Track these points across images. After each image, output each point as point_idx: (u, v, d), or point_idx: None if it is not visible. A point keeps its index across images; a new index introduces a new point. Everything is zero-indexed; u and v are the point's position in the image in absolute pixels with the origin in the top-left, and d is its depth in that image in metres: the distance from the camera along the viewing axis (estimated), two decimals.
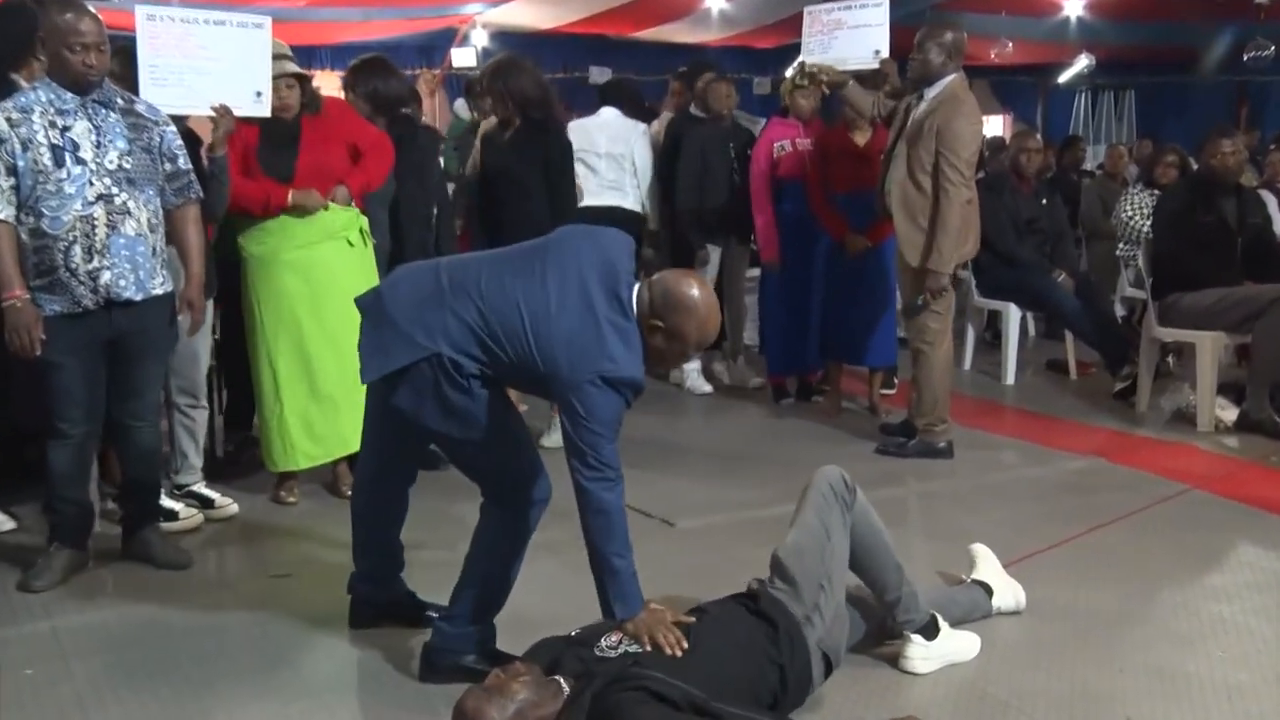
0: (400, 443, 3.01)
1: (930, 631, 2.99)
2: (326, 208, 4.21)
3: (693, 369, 6.40)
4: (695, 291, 2.68)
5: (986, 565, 3.41)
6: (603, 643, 2.59)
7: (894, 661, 3.01)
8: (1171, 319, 5.58)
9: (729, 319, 6.58)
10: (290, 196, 4.15)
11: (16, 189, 3.41)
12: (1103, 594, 3.50)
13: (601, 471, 2.64)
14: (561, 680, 2.47)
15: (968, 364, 6.89)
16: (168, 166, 3.64)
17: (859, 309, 5.57)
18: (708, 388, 6.38)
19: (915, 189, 4.77)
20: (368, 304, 2.87)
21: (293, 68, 4.22)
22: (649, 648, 2.56)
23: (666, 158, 6.37)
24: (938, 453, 5.01)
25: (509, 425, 2.87)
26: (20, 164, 3.39)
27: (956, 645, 3.04)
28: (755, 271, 6.53)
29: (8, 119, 3.41)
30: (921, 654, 2.98)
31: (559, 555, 3.50)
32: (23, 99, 3.47)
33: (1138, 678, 2.96)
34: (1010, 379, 6.55)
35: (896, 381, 6.25)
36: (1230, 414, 5.45)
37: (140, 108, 3.63)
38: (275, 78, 4.10)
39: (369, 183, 4.39)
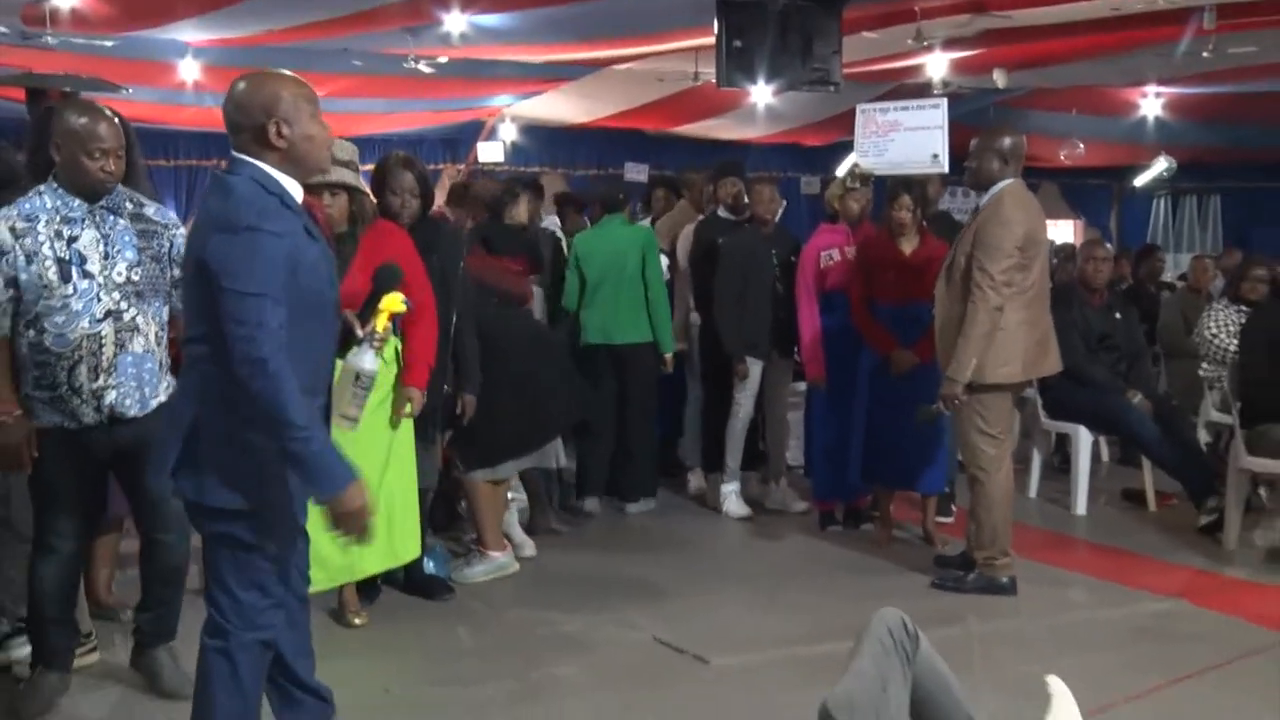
0: None
1: None
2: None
3: (731, 491, 6.43)
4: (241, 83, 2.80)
5: (1063, 710, 3.30)
6: None
7: None
8: (1263, 448, 5.56)
9: (770, 438, 6.66)
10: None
11: (17, 300, 3.49)
12: None
13: (249, 352, 2.60)
14: None
15: (1034, 491, 6.87)
16: (176, 272, 3.70)
17: (906, 430, 5.54)
18: (746, 511, 6.39)
19: (954, 296, 4.92)
20: None
21: (338, 175, 4.21)
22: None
23: (700, 263, 6.51)
24: (999, 589, 4.98)
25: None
26: (24, 277, 3.47)
27: None
28: (801, 386, 6.59)
29: (11, 228, 3.48)
30: None
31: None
32: (27, 205, 3.54)
33: None
34: (1081, 509, 6.52)
35: (955, 508, 6.24)
36: None
37: (150, 211, 3.72)
38: (316, 185, 4.10)
39: (432, 364, 4.49)
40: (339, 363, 3.10)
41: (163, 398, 3.67)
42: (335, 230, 4.28)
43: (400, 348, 4.48)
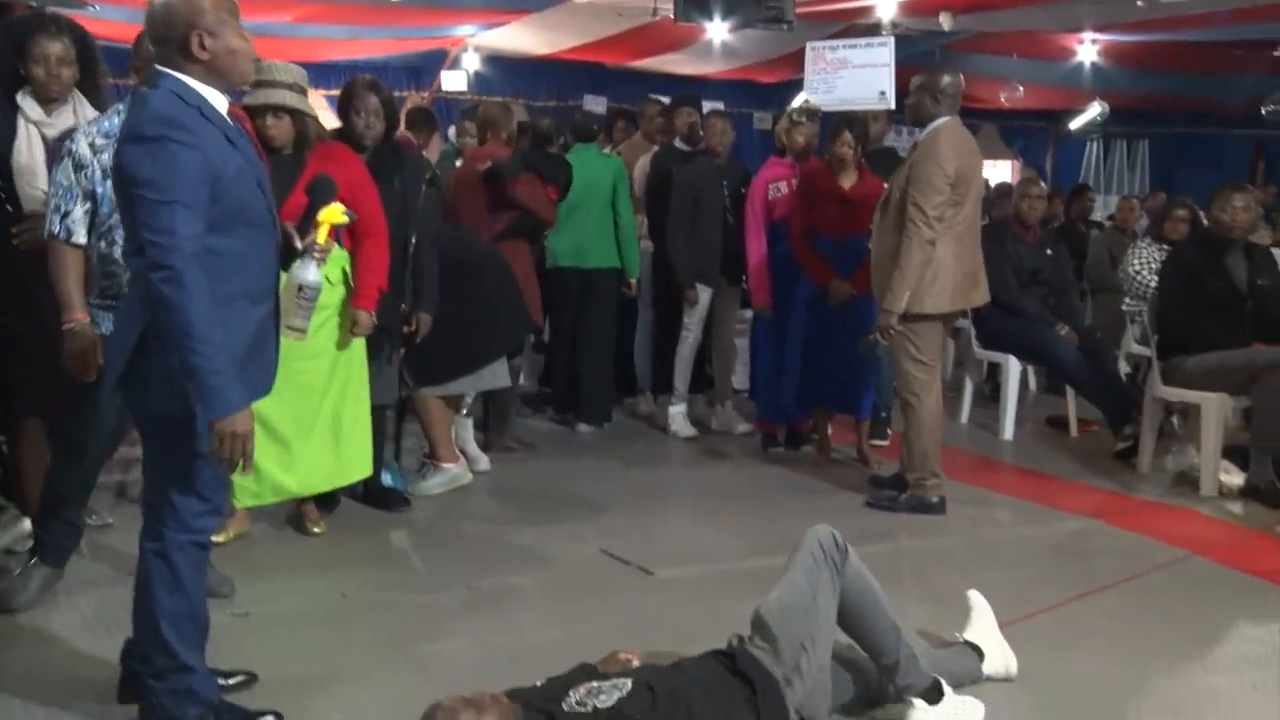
0: None
1: (933, 696, 3.00)
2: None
3: (678, 412, 6.44)
4: None
5: (982, 621, 3.42)
6: (571, 698, 2.60)
7: None
8: (1176, 379, 5.64)
9: (717, 362, 6.67)
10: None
11: (93, 214, 3.48)
12: (1094, 663, 3.52)
13: (161, 259, 2.54)
14: None
15: (965, 417, 6.94)
16: None
17: (840, 357, 5.57)
18: (692, 432, 6.41)
19: (888, 229, 4.91)
20: None
21: (280, 97, 4.10)
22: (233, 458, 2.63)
23: (655, 192, 6.47)
24: (929, 508, 5.03)
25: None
26: (100, 190, 3.45)
27: (960, 713, 3.05)
28: (748, 313, 6.59)
29: (91, 144, 3.47)
30: None
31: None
32: (106, 124, 3.51)
33: None
34: (1008, 434, 6.60)
35: (890, 432, 6.28)
36: (1236, 479, 5.48)
37: None
38: (259, 106, 4.05)
39: (382, 286, 4.42)
40: (283, 275, 3.04)
41: None
42: (282, 152, 4.16)
43: (348, 268, 4.39)
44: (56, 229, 3.47)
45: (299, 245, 3.06)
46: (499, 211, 5.62)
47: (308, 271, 3.14)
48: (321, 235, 3.13)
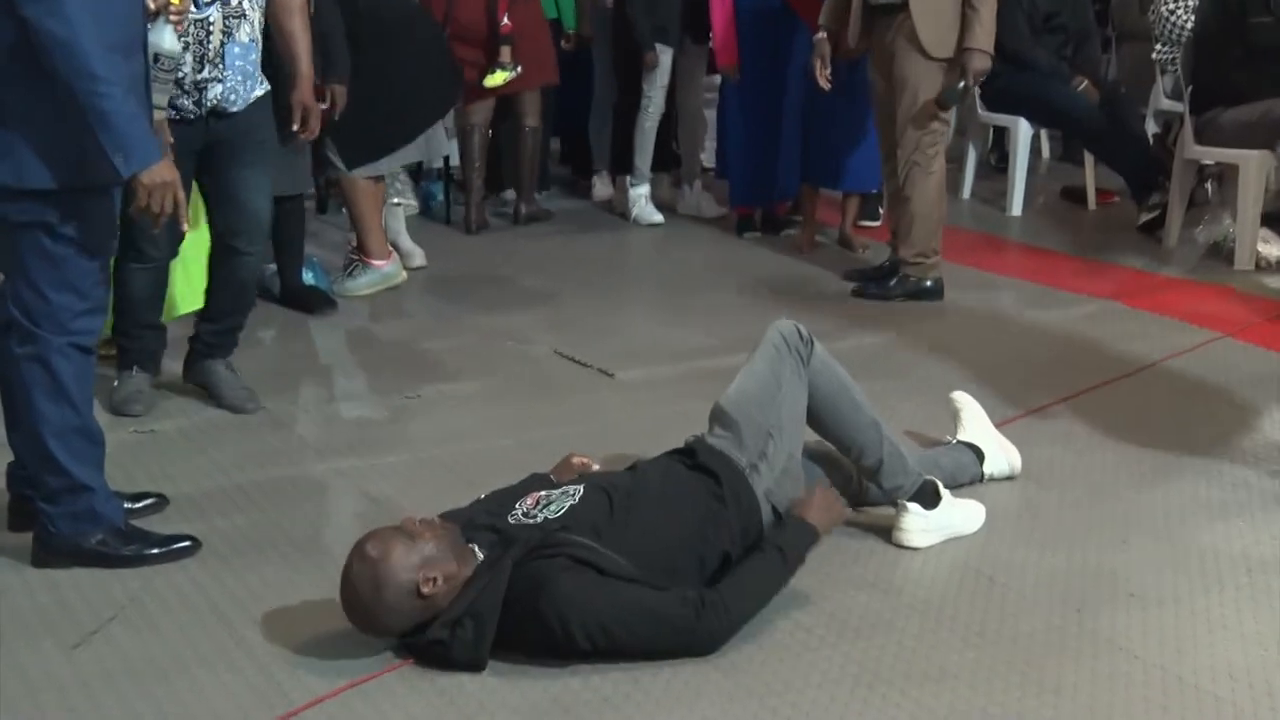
0: None
1: (929, 500, 3.01)
2: None
3: (640, 195, 6.37)
4: None
5: (973, 421, 3.45)
6: (518, 509, 2.62)
7: (884, 533, 3.05)
8: (1211, 136, 5.58)
9: (683, 135, 6.59)
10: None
11: None
12: (1110, 457, 3.57)
13: None
14: (475, 549, 2.51)
15: (967, 191, 6.89)
16: None
17: (843, 123, 5.49)
18: (658, 217, 6.35)
19: None
20: None
21: None
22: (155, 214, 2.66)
23: None
24: (925, 293, 5.03)
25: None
26: None
27: (960, 516, 3.08)
28: (717, 79, 6.45)
29: None
30: (920, 525, 3.00)
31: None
32: None
33: (1145, 551, 3.03)
34: (1016, 209, 6.56)
35: (883, 211, 6.24)
36: (1276, 249, 5.50)
37: None
38: None
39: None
40: None
41: (260, 92, 3.67)
42: None
43: None
44: None
45: (151, 5, 2.91)
46: None
47: (163, 38, 3.01)
48: None
